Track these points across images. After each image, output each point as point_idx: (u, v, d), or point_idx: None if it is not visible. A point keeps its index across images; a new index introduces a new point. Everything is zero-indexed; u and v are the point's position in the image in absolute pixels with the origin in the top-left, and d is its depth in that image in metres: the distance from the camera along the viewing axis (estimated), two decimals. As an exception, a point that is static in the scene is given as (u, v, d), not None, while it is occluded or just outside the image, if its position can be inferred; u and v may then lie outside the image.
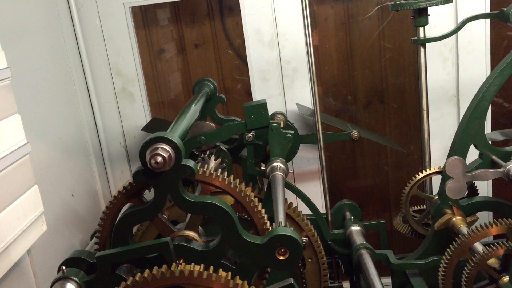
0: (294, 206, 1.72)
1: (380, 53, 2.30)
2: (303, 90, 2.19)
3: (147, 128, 2.13)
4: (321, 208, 1.88)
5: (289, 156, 1.80)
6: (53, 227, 1.70)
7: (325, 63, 2.32)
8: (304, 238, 1.70)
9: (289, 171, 1.67)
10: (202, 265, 1.09)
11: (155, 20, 2.30)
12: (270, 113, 1.78)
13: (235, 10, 2.23)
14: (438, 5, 1.65)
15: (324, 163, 1.81)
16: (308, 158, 2.28)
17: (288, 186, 1.80)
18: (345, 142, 2.37)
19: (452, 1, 1.71)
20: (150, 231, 1.57)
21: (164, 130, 1.29)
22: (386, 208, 2.52)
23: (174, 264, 1.09)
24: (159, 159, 1.07)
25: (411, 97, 2.33)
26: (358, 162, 2.46)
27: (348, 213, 1.92)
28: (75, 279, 1.14)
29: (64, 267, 1.14)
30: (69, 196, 1.88)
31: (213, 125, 1.80)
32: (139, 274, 1.07)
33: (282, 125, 1.74)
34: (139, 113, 2.24)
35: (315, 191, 2.28)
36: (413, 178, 1.79)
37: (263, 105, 1.67)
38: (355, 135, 1.87)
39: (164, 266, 1.08)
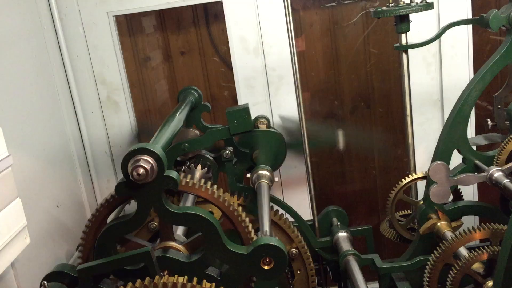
0: (280, 213, 1.72)
1: (366, 58, 2.31)
2: (288, 97, 2.20)
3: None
4: (309, 215, 1.88)
5: (276, 164, 1.80)
6: (38, 239, 1.68)
7: (311, 69, 2.32)
8: (294, 250, 1.69)
9: (275, 179, 1.67)
10: (186, 277, 1.08)
11: (141, 28, 2.30)
12: (253, 117, 1.78)
13: (220, 17, 2.23)
14: (419, 12, 1.66)
15: (310, 170, 1.81)
16: (295, 165, 2.28)
17: (272, 200, 1.77)
18: (332, 147, 2.38)
19: (433, 8, 1.72)
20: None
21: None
22: (375, 213, 2.52)
23: (157, 277, 1.09)
24: (141, 170, 1.06)
25: (397, 102, 2.34)
26: (345, 167, 2.47)
27: (335, 219, 1.92)
28: (57, 293, 1.13)
29: (45, 282, 1.13)
30: (54, 207, 1.86)
31: (197, 131, 1.79)
32: (121, 287, 1.06)
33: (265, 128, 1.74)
34: (124, 122, 2.23)
35: (303, 197, 2.28)
36: (398, 183, 1.80)
37: (245, 110, 1.66)
38: None
39: (147, 278, 1.07)
